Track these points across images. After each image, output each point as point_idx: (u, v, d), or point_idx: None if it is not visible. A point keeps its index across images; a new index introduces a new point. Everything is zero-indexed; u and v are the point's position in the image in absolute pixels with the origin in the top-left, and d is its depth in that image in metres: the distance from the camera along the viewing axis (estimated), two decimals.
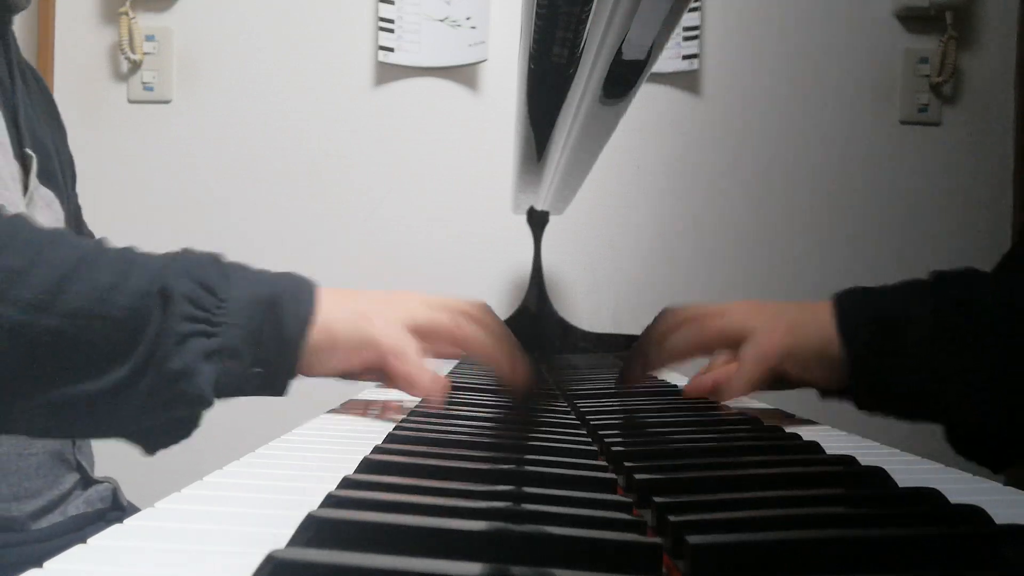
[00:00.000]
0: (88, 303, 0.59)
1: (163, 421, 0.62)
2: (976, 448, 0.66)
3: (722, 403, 0.75)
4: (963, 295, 0.65)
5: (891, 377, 0.66)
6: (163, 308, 0.60)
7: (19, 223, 0.62)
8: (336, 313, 0.67)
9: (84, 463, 0.94)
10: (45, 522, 0.87)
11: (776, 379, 0.71)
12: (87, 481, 0.93)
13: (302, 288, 0.67)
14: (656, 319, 0.76)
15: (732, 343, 0.72)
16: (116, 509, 0.96)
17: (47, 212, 0.88)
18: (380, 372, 0.69)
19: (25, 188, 0.85)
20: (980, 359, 0.63)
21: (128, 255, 0.63)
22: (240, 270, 0.66)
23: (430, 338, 0.70)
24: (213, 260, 0.65)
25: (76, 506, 0.91)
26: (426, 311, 0.70)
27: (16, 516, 0.84)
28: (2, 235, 0.59)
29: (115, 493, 0.96)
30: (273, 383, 0.65)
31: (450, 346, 0.72)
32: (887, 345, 0.66)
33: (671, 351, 0.73)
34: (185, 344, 0.60)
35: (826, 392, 0.72)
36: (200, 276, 0.62)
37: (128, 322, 0.59)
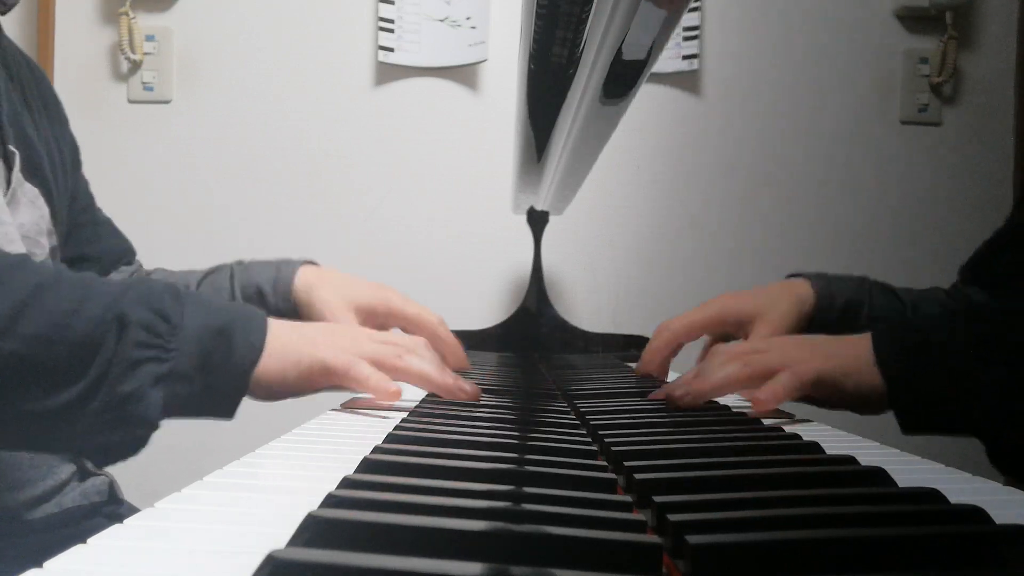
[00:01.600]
0: (46, 328, 0.62)
1: (112, 441, 0.65)
2: (1017, 465, 0.69)
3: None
4: (995, 321, 0.71)
5: (931, 401, 0.71)
6: (118, 334, 0.63)
7: None
8: (286, 341, 0.71)
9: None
10: (40, 512, 0.87)
11: (807, 399, 0.76)
12: (84, 473, 0.94)
13: (254, 319, 0.70)
14: (708, 356, 0.82)
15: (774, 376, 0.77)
16: (113, 503, 0.96)
17: (30, 209, 0.88)
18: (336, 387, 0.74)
19: (8, 185, 0.85)
20: (1012, 378, 0.67)
21: (87, 281, 0.67)
22: (195, 300, 0.69)
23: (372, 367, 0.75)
24: (169, 288, 0.68)
25: (72, 498, 0.91)
26: (369, 344, 0.76)
27: (10, 505, 0.85)
28: None
29: (112, 487, 0.96)
30: (221, 407, 0.68)
31: (392, 376, 0.76)
32: (924, 369, 0.71)
33: (713, 387, 0.77)
34: (136, 369, 0.63)
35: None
36: (155, 303, 0.65)
37: (84, 347, 0.63)
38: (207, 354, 0.66)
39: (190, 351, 0.66)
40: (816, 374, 0.74)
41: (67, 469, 0.91)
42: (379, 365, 0.74)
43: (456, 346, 1.01)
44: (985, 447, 0.70)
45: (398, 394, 0.73)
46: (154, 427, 0.65)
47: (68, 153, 0.99)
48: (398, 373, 0.76)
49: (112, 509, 0.95)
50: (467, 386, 0.77)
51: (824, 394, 0.75)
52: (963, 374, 0.69)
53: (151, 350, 0.64)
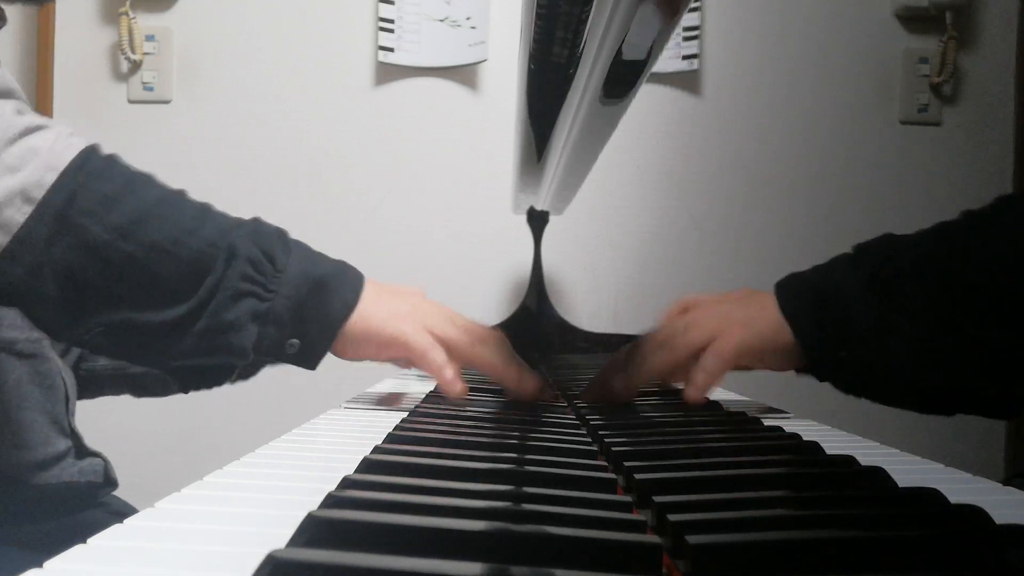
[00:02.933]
0: (164, 239, 0.66)
1: (204, 366, 0.68)
2: (933, 401, 0.71)
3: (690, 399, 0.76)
4: (884, 255, 0.72)
5: (840, 348, 0.71)
6: (227, 262, 0.67)
7: (115, 158, 0.69)
8: (376, 307, 0.73)
9: (78, 432, 0.95)
10: (41, 480, 0.89)
11: (738, 368, 0.76)
12: (80, 450, 0.95)
13: (352, 277, 0.73)
14: (632, 347, 0.80)
15: (701, 352, 0.76)
16: (108, 485, 0.97)
17: None
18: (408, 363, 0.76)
19: None
20: (911, 314, 0.69)
21: (205, 207, 0.71)
22: (301, 248, 0.72)
23: (448, 347, 0.76)
24: (279, 233, 0.72)
25: (70, 473, 0.93)
26: (451, 328, 0.77)
27: (15, 462, 0.87)
28: (100, 163, 0.67)
29: (106, 469, 0.98)
30: (306, 357, 0.71)
31: (463, 363, 0.77)
32: (828, 317, 0.72)
33: (645, 379, 0.78)
34: (239, 301, 0.66)
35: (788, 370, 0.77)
36: (264, 244, 0.69)
37: (194, 266, 0.66)
38: (302, 303, 0.69)
39: (288, 295, 0.68)
40: (736, 348, 0.74)
41: (64, 442, 0.93)
42: (454, 350, 0.75)
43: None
44: (903, 392, 0.71)
45: (465, 391, 0.74)
46: (247, 359, 0.68)
47: None
48: (471, 360, 0.76)
49: (108, 490, 0.97)
50: (532, 385, 0.77)
51: (749, 360, 0.75)
52: (862, 314, 0.70)
53: (254, 285, 0.67)
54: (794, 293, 0.75)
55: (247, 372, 0.89)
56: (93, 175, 0.66)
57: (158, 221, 0.66)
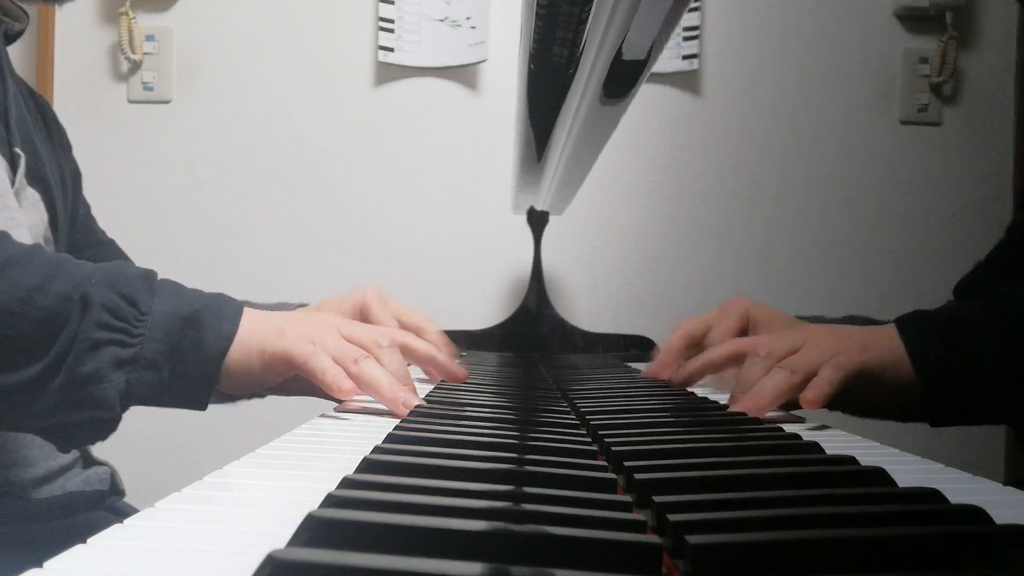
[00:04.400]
0: (12, 302, 0.63)
1: (73, 422, 0.66)
2: None
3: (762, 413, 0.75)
4: (1018, 303, 0.70)
5: (962, 389, 0.70)
6: (81, 314, 0.64)
7: None
8: (255, 333, 0.70)
9: None
10: (44, 493, 0.88)
11: (847, 398, 0.74)
12: (87, 460, 0.95)
13: (226, 307, 0.70)
14: (746, 365, 0.78)
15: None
16: (114, 493, 0.97)
17: (32, 212, 0.89)
18: (302, 382, 0.73)
19: (12, 185, 0.86)
20: None
21: (58, 260, 0.67)
22: (169, 286, 0.69)
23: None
24: (143, 275, 0.68)
25: (75, 483, 0.92)
26: (334, 339, 0.73)
27: (16, 482, 0.86)
28: None
29: (113, 477, 0.97)
30: (191, 397, 0.68)
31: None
32: (954, 358, 0.70)
33: (772, 402, 0.73)
34: (98, 351, 0.64)
35: (893, 412, 0.76)
36: (124, 288, 0.66)
37: (46, 323, 0.63)
38: (175, 342, 0.66)
39: (157, 337, 0.66)
40: (859, 365, 0.72)
41: (70, 454, 0.93)
42: (338, 362, 0.72)
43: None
44: (1016, 433, 0.70)
45: (352, 392, 0.71)
46: (114, 410, 0.65)
47: (70, 177, 1.00)
48: (352, 378, 0.73)
49: (114, 499, 0.97)
50: (411, 403, 0.73)
51: (864, 385, 0.73)
52: (994, 361, 0.69)
53: (114, 333, 0.64)
54: (919, 329, 0.73)
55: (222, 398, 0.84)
56: None
57: (5, 283, 0.63)
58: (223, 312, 0.69)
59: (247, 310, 0.71)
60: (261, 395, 0.85)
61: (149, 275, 0.69)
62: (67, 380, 0.63)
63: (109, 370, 0.64)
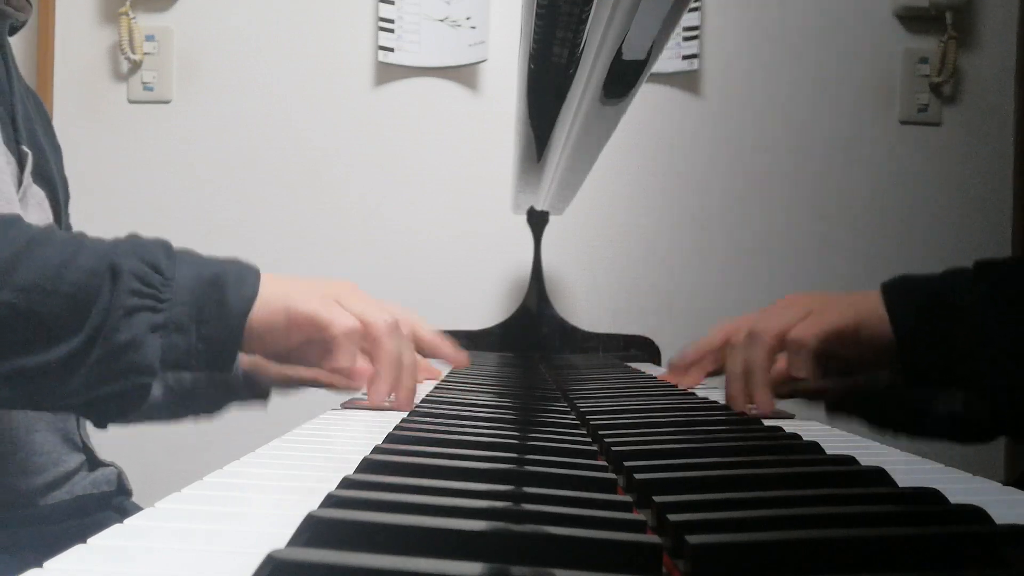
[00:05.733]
0: (40, 279, 0.63)
1: (113, 393, 0.66)
2: (1018, 424, 0.70)
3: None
4: (1006, 275, 0.71)
5: (938, 354, 0.71)
6: (112, 284, 0.65)
7: None
8: (277, 293, 0.71)
9: (90, 445, 0.95)
10: (52, 499, 0.88)
11: (828, 361, 0.75)
12: (93, 463, 0.95)
13: (246, 271, 0.72)
14: (732, 356, 0.78)
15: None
16: (122, 493, 0.97)
17: (38, 210, 0.89)
18: (319, 351, 0.73)
19: (19, 184, 0.86)
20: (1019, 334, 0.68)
21: (78, 237, 0.69)
22: (187, 253, 0.70)
23: (360, 325, 0.73)
24: (161, 243, 0.69)
25: (83, 487, 0.92)
26: (358, 303, 0.74)
27: (24, 490, 0.86)
28: None
29: (120, 477, 0.98)
30: (218, 358, 0.69)
31: (368, 343, 0.75)
32: (935, 322, 0.71)
33: (763, 378, 0.75)
34: (132, 317, 0.64)
35: (870, 369, 0.77)
36: (147, 256, 0.67)
37: (78, 296, 0.64)
38: (201, 304, 0.67)
39: (184, 300, 0.67)
40: (830, 325, 0.73)
41: (77, 458, 0.93)
42: (366, 327, 0.73)
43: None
44: (988, 405, 0.70)
45: (366, 372, 0.73)
46: (154, 374, 0.66)
47: (62, 183, 1.00)
48: (375, 345, 0.74)
49: (121, 499, 0.97)
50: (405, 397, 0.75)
51: (840, 347, 0.74)
52: (972, 328, 0.69)
53: (145, 299, 0.65)
54: (902, 292, 0.74)
55: (212, 408, 0.88)
56: None
57: (30, 262, 0.64)
58: (243, 274, 0.71)
59: (266, 274, 0.73)
60: (291, 388, 0.84)
61: (166, 243, 0.70)
62: (106, 350, 0.64)
63: (145, 334, 0.65)
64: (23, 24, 0.93)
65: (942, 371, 0.72)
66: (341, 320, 0.72)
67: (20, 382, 0.65)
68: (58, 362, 0.64)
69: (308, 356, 0.75)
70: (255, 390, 0.89)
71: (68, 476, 0.91)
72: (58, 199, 0.93)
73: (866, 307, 0.74)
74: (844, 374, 0.77)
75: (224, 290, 0.69)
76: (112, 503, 0.95)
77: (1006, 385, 0.69)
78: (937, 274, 0.75)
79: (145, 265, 0.66)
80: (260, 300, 0.70)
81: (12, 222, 0.67)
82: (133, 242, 0.68)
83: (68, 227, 1.04)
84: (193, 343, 0.67)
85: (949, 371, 0.71)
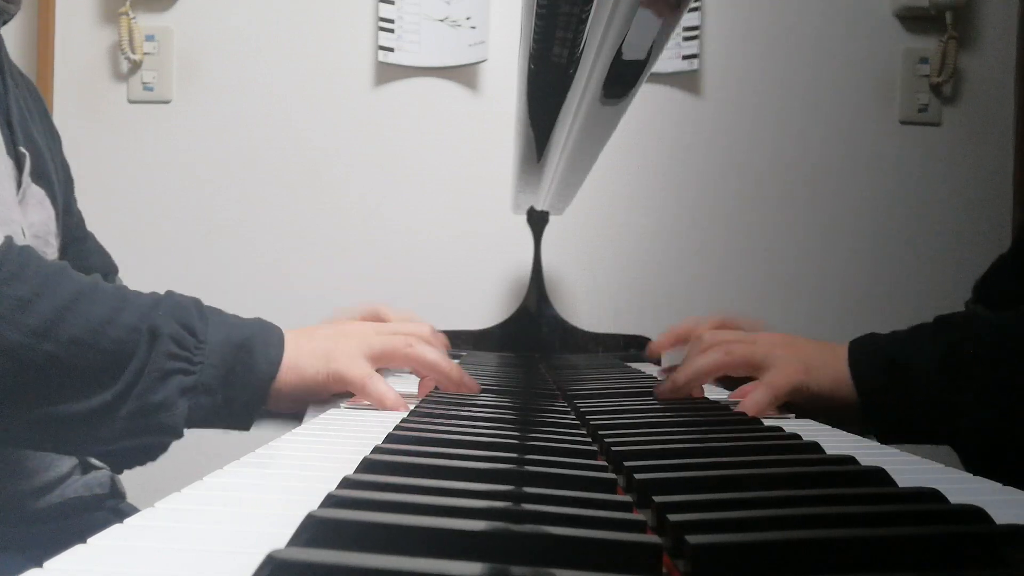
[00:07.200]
0: (84, 333, 0.66)
1: (136, 446, 0.69)
2: (991, 468, 0.71)
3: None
4: (964, 333, 0.73)
5: (903, 415, 0.74)
6: (150, 345, 0.67)
7: (28, 254, 0.69)
8: (301, 355, 0.74)
9: None
10: (44, 503, 0.88)
11: (788, 406, 0.78)
12: (86, 466, 0.95)
13: (271, 333, 0.74)
14: (691, 344, 0.84)
15: (753, 369, 0.79)
16: (115, 496, 0.97)
17: (39, 210, 0.89)
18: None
19: (19, 185, 0.86)
20: (983, 389, 0.70)
21: (121, 292, 0.71)
22: (216, 315, 0.73)
23: (386, 360, 0.79)
24: (195, 303, 0.72)
25: (75, 489, 0.93)
26: (380, 338, 0.79)
27: (15, 494, 0.86)
28: (13, 265, 0.66)
29: (113, 480, 0.97)
30: (241, 418, 0.72)
31: (404, 364, 0.81)
32: (897, 384, 0.74)
33: (694, 374, 0.80)
34: (167, 380, 0.67)
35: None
36: (183, 318, 0.69)
37: (117, 354, 0.66)
38: (230, 368, 0.70)
39: (214, 363, 0.69)
40: (791, 387, 0.76)
41: (69, 462, 0.93)
42: (391, 355, 0.78)
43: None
44: (960, 456, 0.72)
45: (406, 406, 0.75)
46: (179, 436, 0.69)
47: (62, 170, 1.01)
48: (409, 361, 0.79)
49: (114, 503, 0.96)
50: (470, 380, 0.80)
51: (800, 402, 0.77)
52: (934, 387, 0.72)
53: (180, 362, 0.68)
54: (867, 354, 0.76)
55: (245, 425, 0.91)
56: (5, 279, 0.65)
57: (75, 316, 0.66)
58: (269, 338, 0.73)
59: (288, 334, 0.75)
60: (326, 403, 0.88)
61: (198, 303, 0.73)
62: (136, 407, 0.66)
63: (176, 397, 0.67)
64: (11, 16, 0.93)
65: (906, 430, 0.74)
66: (371, 386, 0.75)
67: (50, 428, 0.67)
68: (89, 413, 0.66)
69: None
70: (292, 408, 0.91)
71: (61, 480, 0.91)
72: (56, 196, 0.92)
73: (831, 368, 0.76)
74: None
75: (252, 355, 0.71)
76: (105, 505, 0.95)
77: (971, 443, 0.71)
78: (902, 332, 0.78)
79: (182, 328, 0.68)
80: (284, 364, 0.73)
81: (60, 271, 0.69)
82: (171, 302, 0.70)
83: (78, 214, 1.05)
84: (219, 404, 0.70)
85: (913, 430, 0.74)
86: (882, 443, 0.74)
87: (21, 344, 0.64)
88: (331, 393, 0.77)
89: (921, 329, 0.77)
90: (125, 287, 0.73)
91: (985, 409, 0.70)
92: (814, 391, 0.76)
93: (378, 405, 0.75)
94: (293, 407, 0.77)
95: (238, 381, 0.70)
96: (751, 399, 0.75)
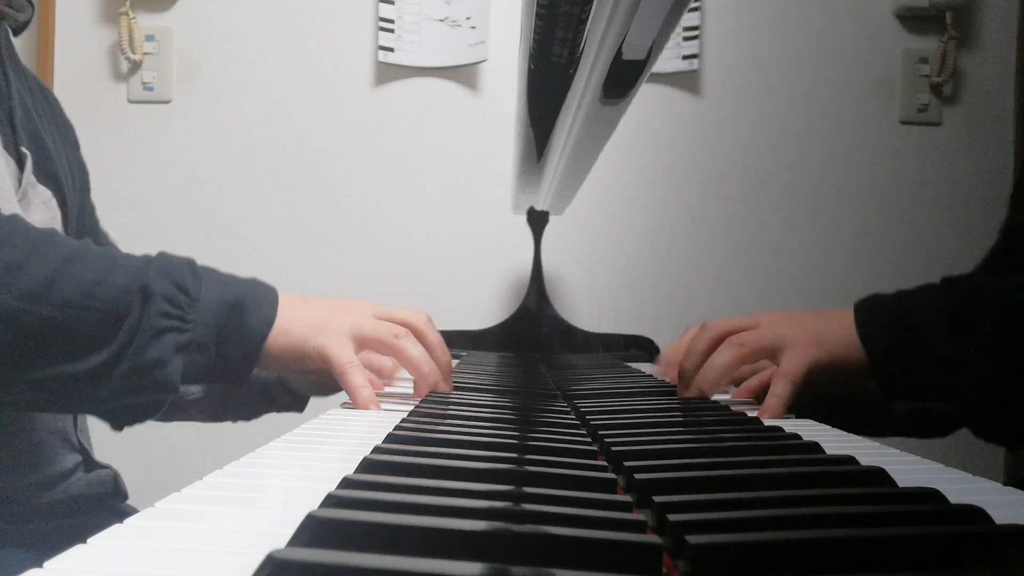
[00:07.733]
0: (76, 295, 0.67)
1: (134, 404, 0.71)
2: (992, 429, 0.72)
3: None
4: (969, 293, 0.73)
5: (910, 373, 0.74)
6: (143, 304, 0.68)
7: (16, 221, 0.70)
8: (293, 319, 0.75)
9: (87, 446, 0.95)
10: (47, 498, 0.88)
11: (810, 391, 0.77)
12: (89, 464, 0.95)
13: (266, 294, 0.75)
14: (692, 340, 0.82)
15: (768, 354, 0.79)
16: (116, 496, 0.97)
17: (42, 209, 0.89)
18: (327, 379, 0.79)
19: (19, 184, 0.86)
20: (988, 347, 0.71)
21: (112, 254, 0.72)
22: (211, 274, 0.74)
23: (372, 346, 0.79)
24: (188, 263, 0.73)
25: (78, 487, 0.92)
26: (371, 323, 0.78)
27: (18, 488, 0.87)
28: (2, 232, 0.67)
29: (116, 479, 0.98)
30: (234, 375, 0.74)
31: (387, 354, 0.81)
32: (904, 343, 0.74)
33: (716, 376, 0.79)
34: (160, 338, 0.68)
35: (857, 391, 0.81)
36: (176, 277, 0.70)
37: (111, 314, 0.68)
38: (222, 326, 0.71)
39: (207, 322, 0.71)
40: (807, 366, 0.75)
41: (73, 458, 0.93)
42: (377, 343, 0.78)
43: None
44: (965, 416, 0.73)
45: (377, 405, 0.75)
46: (175, 392, 0.70)
47: (79, 175, 1.01)
48: (393, 352, 0.79)
49: (116, 502, 0.97)
50: (447, 384, 0.80)
51: (817, 377, 0.76)
52: (941, 346, 0.72)
53: (173, 320, 0.69)
54: (873, 314, 0.76)
55: (251, 414, 0.97)
56: None
57: (66, 279, 0.67)
58: (262, 298, 0.74)
59: (283, 296, 0.76)
60: (325, 394, 0.91)
61: (192, 263, 0.73)
62: (132, 366, 0.68)
63: (171, 355, 0.69)
64: (25, 25, 0.94)
65: (914, 388, 0.75)
66: (349, 377, 0.75)
67: (51, 389, 0.68)
68: (88, 372, 0.67)
69: (326, 375, 0.79)
70: (294, 396, 0.93)
71: (64, 476, 0.91)
72: (65, 197, 0.93)
73: (839, 335, 0.76)
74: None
75: (244, 314, 0.72)
76: (107, 505, 0.95)
77: (977, 400, 0.72)
78: (907, 291, 0.77)
79: (174, 287, 0.69)
80: (277, 325, 0.74)
81: (49, 236, 0.70)
82: (163, 262, 0.71)
83: (92, 212, 1.05)
84: (212, 361, 0.71)
85: (920, 387, 0.75)
86: (886, 399, 0.76)
87: (16, 308, 0.65)
88: (313, 369, 0.77)
89: (927, 289, 0.77)
90: (116, 249, 0.74)
91: (991, 367, 0.70)
92: (829, 361, 0.76)
93: (350, 397, 0.75)
94: (288, 370, 0.77)
95: (231, 339, 0.72)
96: (768, 405, 0.74)
